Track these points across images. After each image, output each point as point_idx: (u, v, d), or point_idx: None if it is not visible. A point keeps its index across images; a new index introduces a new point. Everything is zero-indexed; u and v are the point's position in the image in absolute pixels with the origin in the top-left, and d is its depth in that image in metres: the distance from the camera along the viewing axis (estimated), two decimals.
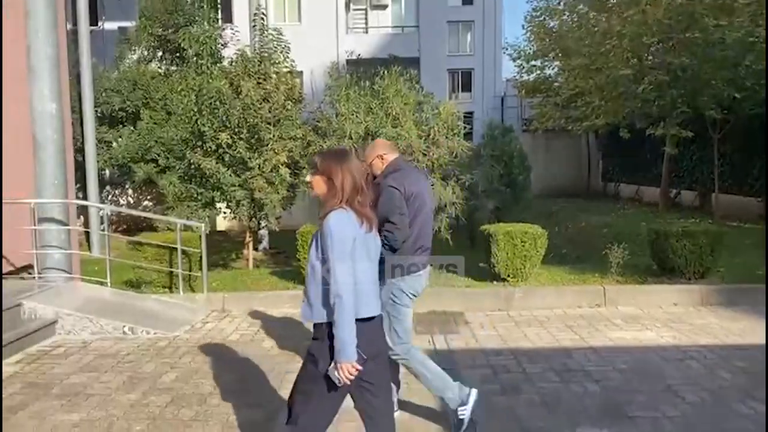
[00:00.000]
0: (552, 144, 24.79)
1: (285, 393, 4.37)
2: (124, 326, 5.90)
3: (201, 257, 7.20)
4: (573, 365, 5.13)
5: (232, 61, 11.33)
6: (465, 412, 3.78)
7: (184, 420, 4.09)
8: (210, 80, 11.07)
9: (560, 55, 20.81)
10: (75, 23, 13.15)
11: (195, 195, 10.82)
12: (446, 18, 29.11)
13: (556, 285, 7.45)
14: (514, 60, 24.17)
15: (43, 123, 6.95)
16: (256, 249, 11.67)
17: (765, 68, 11.74)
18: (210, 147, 10.18)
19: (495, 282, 7.47)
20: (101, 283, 7.08)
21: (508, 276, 7.38)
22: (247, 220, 10.35)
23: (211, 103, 10.26)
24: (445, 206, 8.07)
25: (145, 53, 17.46)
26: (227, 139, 10.15)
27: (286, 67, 11.20)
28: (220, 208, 10.46)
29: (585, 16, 17.96)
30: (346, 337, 2.67)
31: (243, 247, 11.00)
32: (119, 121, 16.49)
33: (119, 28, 21.70)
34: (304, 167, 9.70)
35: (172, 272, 7.37)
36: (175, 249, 7.17)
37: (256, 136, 10.47)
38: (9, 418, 4.11)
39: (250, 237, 10.91)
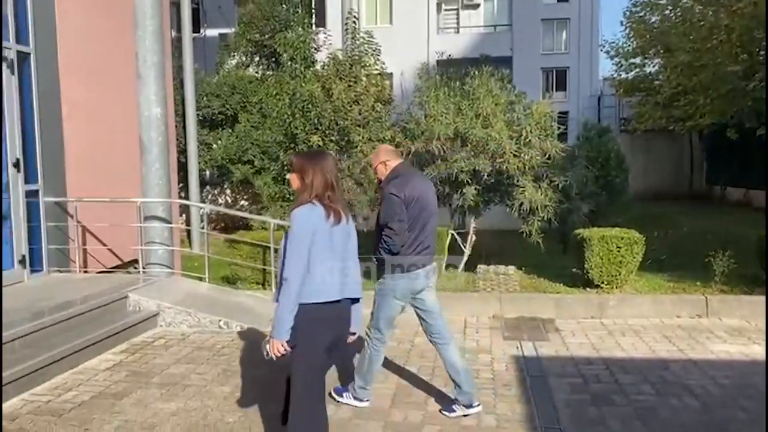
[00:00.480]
0: (652, 145, 23.69)
1: (377, 390, 4.43)
2: (219, 320, 6.16)
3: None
4: (670, 378, 4.87)
5: (324, 65, 11.61)
6: (346, 400, 4.31)
7: (274, 414, 4.20)
8: (303, 84, 11.36)
9: (662, 51, 19.86)
10: (179, 31, 13.86)
11: (288, 195, 11.17)
12: (540, 16, 28.44)
13: (653, 293, 7.10)
14: (611, 58, 23.32)
15: (149, 126, 7.36)
16: None
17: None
18: (302, 149, 10.46)
19: (588, 288, 7.22)
20: (200, 279, 7.43)
21: (602, 283, 7.11)
22: None
23: (303, 106, 10.55)
24: (537, 209, 7.87)
25: (243, 58, 18.14)
26: (318, 141, 10.40)
27: (377, 69, 11.34)
28: None
29: (689, 10, 17.05)
30: (284, 316, 2.98)
31: None
32: (219, 124, 17.23)
33: (220, 34, 22.71)
34: None
35: (265, 269, 7.62)
36: (269, 247, 7.40)
37: (346, 138, 10.66)
38: (115, 404, 4.39)
39: None
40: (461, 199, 7.99)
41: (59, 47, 7.17)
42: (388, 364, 5.24)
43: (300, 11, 17.99)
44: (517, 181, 7.93)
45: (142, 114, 7.37)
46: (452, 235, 8.48)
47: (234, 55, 18.38)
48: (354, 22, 11.25)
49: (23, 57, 6.76)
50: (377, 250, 4.08)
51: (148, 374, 5.00)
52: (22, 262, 6.73)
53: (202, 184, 17.17)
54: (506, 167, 7.82)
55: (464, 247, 8.55)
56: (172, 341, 5.85)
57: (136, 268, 7.49)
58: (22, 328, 5.01)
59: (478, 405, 4.16)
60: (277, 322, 2.99)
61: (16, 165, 6.62)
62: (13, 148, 6.60)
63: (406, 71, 17.52)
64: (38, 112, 6.89)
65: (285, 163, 10.77)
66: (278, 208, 10.95)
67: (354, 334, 3.40)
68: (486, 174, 7.89)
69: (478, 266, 8.31)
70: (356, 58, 11.07)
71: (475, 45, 26.71)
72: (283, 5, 17.65)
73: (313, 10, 19.12)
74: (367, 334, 4.30)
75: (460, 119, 7.91)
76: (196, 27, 21.33)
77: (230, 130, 16.91)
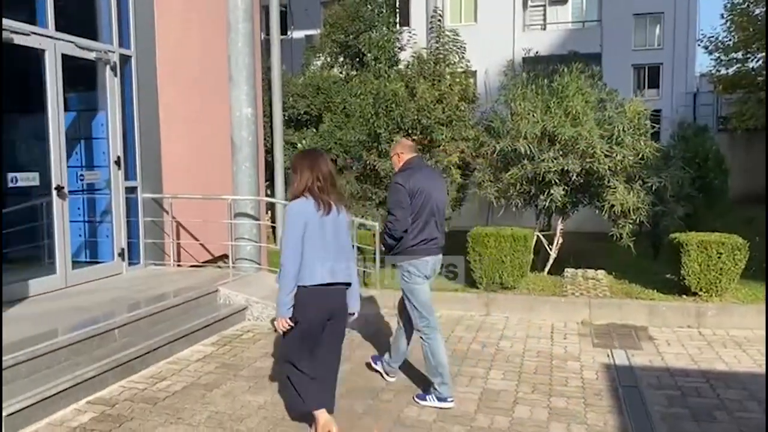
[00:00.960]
0: (753, 144, 22.25)
1: (461, 394, 4.36)
2: None
3: (375, 254, 7.41)
4: None
5: (408, 64, 11.58)
6: (433, 403, 4.30)
7: (357, 412, 4.22)
8: (387, 83, 11.39)
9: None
10: (267, 33, 14.24)
11: (370, 194, 11.22)
12: (632, 11, 27.30)
13: (757, 303, 6.63)
14: (710, 53, 22.07)
15: (240, 126, 7.58)
16: None
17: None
18: (385, 149, 10.48)
19: (684, 296, 6.83)
20: None
21: (700, 290, 6.71)
22: None
23: (387, 106, 10.56)
24: (628, 212, 7.52)
25: (328, 59, 18.42)
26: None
27: (461, 67, 11.20)
28: None
29: None
30: (283, 298, 3.47)
31: None
32: (304, 124, 17.57)
33: (306, 36, 23.19)
34: (475, 168, 9.60)
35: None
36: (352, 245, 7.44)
37: (429, 137, 10.59)
38: (205, 395, 4.53)
39: None
40: (548, 199, 7.75)
41: (157, 50, 7.50)
42: (472, 367, 5.16)
43: (385, 11, 18.09)
44: (608, 182, 7.61)
45: (234, 114, 7.60)
46: (538, 236, 8.25)
47: (319, 56, 18.69)
48: (439, 20, 11.15)
49: (125, 59, 7.11)
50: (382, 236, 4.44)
51: (237, 367, 5.13)
52: (121, 254, 7.10)
53: (288, 183, 17.61)
54: (596, 167, 7.52)
55: (550, 249, 8.30)
56: (260, 335, 5.99)
57: (225, 262, 7.74)
58: (121, 317, 5.27)
59: (394, 378, 4.75)
60: (279, 303, 3.51)
61: (118, 162, 6.98)
62: (115, 147, 6.96)
63: (491, 69, 17.26)
64: (137, 112, 7.24)
65: (368, 162, 10.82)
66: (360, 207, 11.00)
67: (353, 314, 3.83)
68: (575, 174, 7.62)
69: (566, 270, 8.04)
70: (441, 56, 10.98)
71: (563, 42, 25.96)
72: (368, 5, 17.79)
73: (397, 10, 19.15)
74: (419, 334, 4.44)
75: (548, 118, 7.67)
76: (283, 29, 21.88)
77: (314, 130, 17.23)
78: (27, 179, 5.98)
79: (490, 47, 22.45)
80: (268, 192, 13.46)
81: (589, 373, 5.04)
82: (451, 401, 4.30)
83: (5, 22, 5.58)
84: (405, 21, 20.29)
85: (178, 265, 7.63)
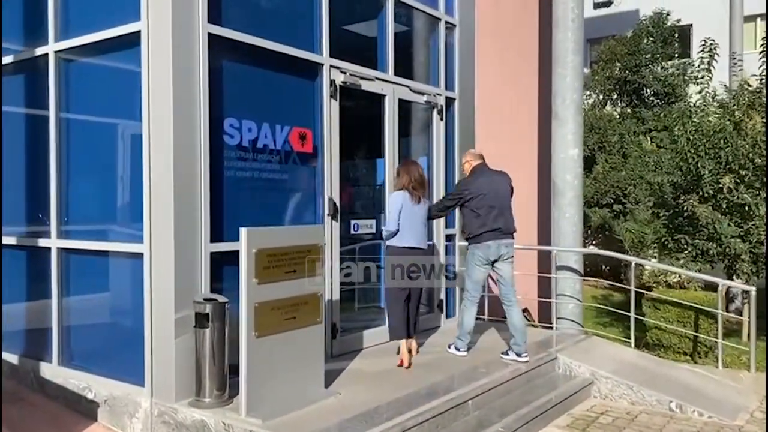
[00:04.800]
0: None
1: None
2: (671, 401, 5.10)
3: (749, 323, 6.00)
4: None
5: (735, 93, 9.90)
6: (453, 351, 5.54)
7: None
8: (698, 118, 9.81)
9: None
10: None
11: (684, 245, 9.64)
12: None
13: None
14: None
15: (564, 168, 6.82)
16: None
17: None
18: (708, 192, 8.95)
19: None
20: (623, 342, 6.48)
21: None
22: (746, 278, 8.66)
23: (713, 143, 9.03)
24: None
25: (600, 97, 17.22)
26: (730, 182, 8.78)
27: None
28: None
29: None
30: (387, 236, 5.24)
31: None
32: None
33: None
34: None
35: (696, 338, 6.37)
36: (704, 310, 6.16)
37: (763, 179, 8.86)
38: None
39: (744, 300, 9.16)
40: None
41: (477, 91, 7.10)
42: None
43: (666, 43, 16.48)
44: None
45: (557, 155, 6.86)
46: None
47: (590, 94, 17.56)
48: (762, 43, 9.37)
49: (449, 103, 6.79)
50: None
51: None
52: (439, 306, 6.66)
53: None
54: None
55: None
56: (620, 420, 4.97)
57: (528, 319, 6.97)
58: (472, 385, 4.66)
59: (527, 356, 5.32)
60: (386, 233, 5.23)
61: None
62: (439, 191, 6.59)
63: None
64: (458, 156, 6.84)
65: (685, 208, 9.30)
66: (673, 261, 9.50)
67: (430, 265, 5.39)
68: None
69: None
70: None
71: None
72: (650, 37, 16.29)
73: (677, 41, 17.34)
74: (463, 291, 5.67)
75: None
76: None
77: (587, 172, 16.01)
78: (366, 227, 5.80)
79: None
80: None
81: None
82: (464, 353, 5.46)
83: (352, 67, 5.52)
84: (685, 53, 18.20)
85: (489, 319, 6.98)
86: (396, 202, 5.15)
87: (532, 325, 7.23)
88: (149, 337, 4.34)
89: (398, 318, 5.16)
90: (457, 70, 6.84)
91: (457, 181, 5.52)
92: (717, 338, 6.04)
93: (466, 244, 5.53)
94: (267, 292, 4.08)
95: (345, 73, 5.46)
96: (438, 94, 6.58)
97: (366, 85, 5.71)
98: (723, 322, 6.29)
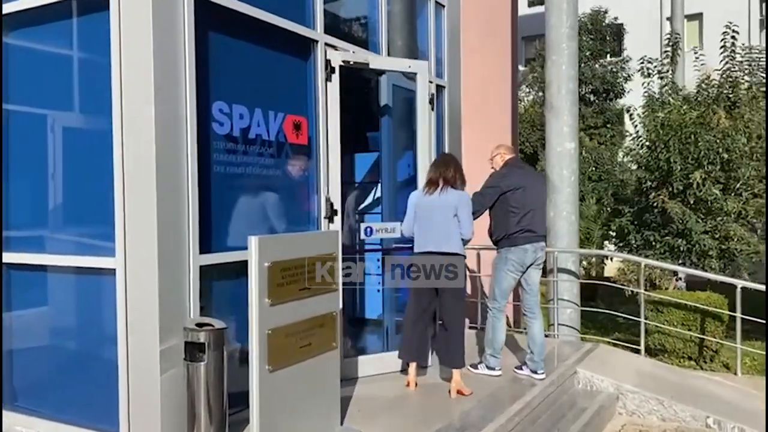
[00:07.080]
0: None
1: None
2: (707, 417, 4.68)
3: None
4: None
5: (699, 88, 9.81)
6: (483, 371, 4.82)
7: None
8: (675, 111, 9.61)
9: None
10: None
11: (653, 242, 9.43)
12: None
13: None
14: None
15: (561, 163, 6.38)
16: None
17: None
18: (678, 187, 8.79)
19: None
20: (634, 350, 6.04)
21: None
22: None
23: (683, 137, 8.85)
24: None
25: (540, 94, 17.24)
26: (698, 178, 8.66)
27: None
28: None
29: None
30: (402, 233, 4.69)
31: None
32: None
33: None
34: None
35: (702, 340, 6.05)
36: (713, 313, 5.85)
37: (731, 174, 8.82)
38: None
39: None
40: None
41: (462, 80, 6.52)
42: None
43: (608, 39, 16.65)
44: None
45: (553, 149, 6.41)
46: None
47: (529, 92, 17.52)
48: (733, 36, 9.36)
49: (439, 90, 6.15)
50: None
51: None
52: None
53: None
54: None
55: None
56: None
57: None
58: (508, 416, 4.03)
59: (543, 373, 4.73)
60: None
61: None
62: None
63: None
64: (448, 147, 6.23)
65: (654, 204, 9.09)
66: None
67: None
68: None
69: None
70: (732, 80, 9.30)
71: None
72: (589, 35, 16.38)
73: (617, 38, 17.60)
74: (487, 306, 4.97)
75: None
76: None
77: (533, 169, 15.95)
78: (385, 230, 4.98)
79: None
80: None
81: None
82: (499, 371, 4.78)
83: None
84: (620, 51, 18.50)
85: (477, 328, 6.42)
86: (409, 200, 4.59)
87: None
88: (125, 374, 3.43)
89: (405, 336, 4.55)
90: (447, 53, 6.21)
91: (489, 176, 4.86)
92: (725, 342, 5.74)
93: (496, 248, 4.82)
94: (281, 316, 3.30)
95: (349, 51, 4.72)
96: (430, 81, 5.91)
97: (377, 63, 4.97)
98: (723, 324, 6.03)
